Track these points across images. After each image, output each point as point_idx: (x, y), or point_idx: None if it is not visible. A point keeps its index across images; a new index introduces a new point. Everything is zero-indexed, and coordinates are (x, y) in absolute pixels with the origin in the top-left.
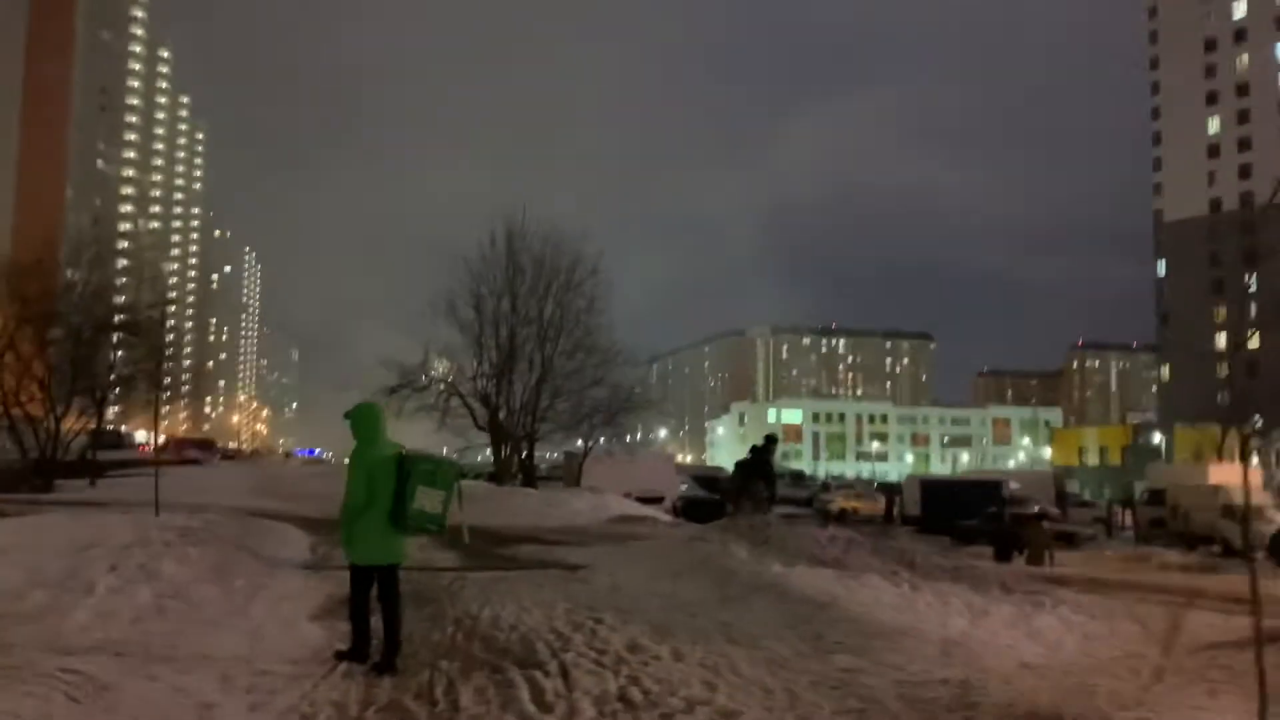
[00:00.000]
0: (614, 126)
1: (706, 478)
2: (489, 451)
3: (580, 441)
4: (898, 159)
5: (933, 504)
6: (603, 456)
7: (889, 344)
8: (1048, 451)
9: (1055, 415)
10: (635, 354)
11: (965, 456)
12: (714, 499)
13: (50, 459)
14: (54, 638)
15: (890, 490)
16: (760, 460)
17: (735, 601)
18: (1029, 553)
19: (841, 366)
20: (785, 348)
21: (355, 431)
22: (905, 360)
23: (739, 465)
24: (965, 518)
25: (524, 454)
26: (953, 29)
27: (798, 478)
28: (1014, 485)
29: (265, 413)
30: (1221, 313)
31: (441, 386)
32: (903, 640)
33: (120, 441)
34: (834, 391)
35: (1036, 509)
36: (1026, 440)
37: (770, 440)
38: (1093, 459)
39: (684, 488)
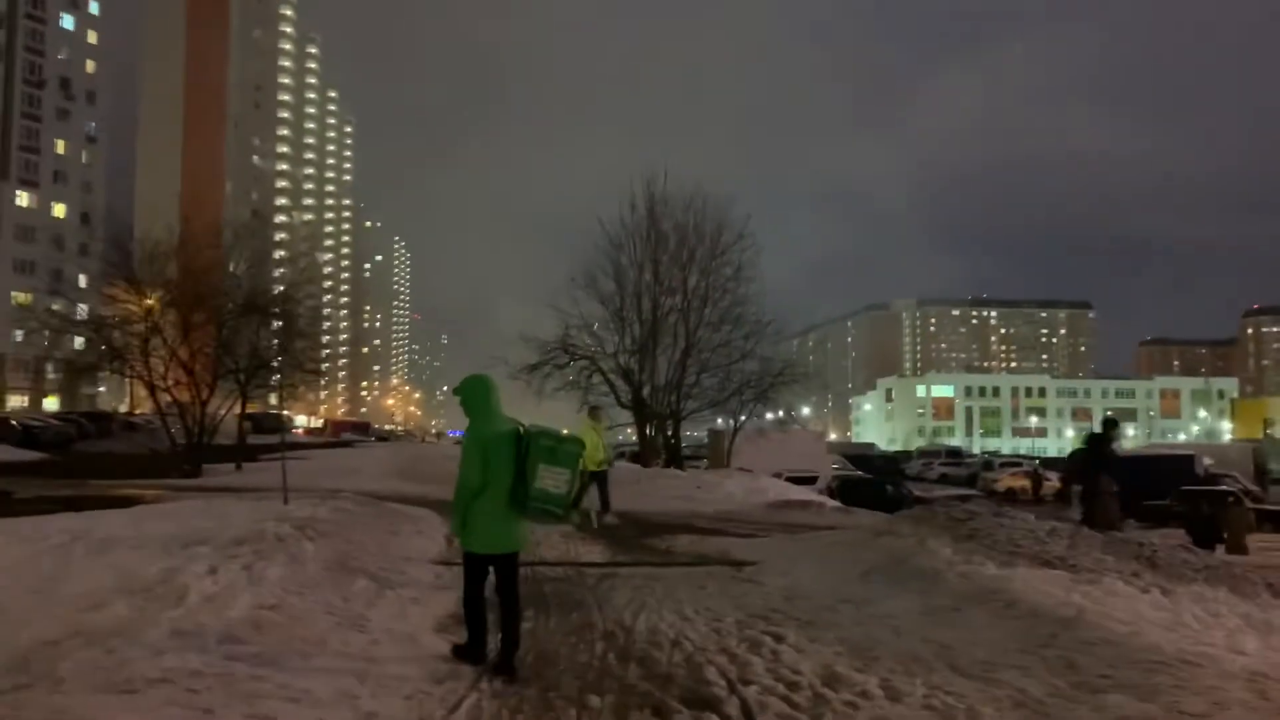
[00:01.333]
0: (750, 90)
1: (858, 456)
2: (630, 431)
3: (727, 419)
4: (1050, 115)
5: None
6: (752, 435)
7: (1044, 314)
8: (1226, 424)
9: (1231, 385)
10: (786, 325)
11: (1131, 430)
12: (871, 479)
13: (198, 443)
14: (116, 670)
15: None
16: (1101, 449)
17: (948, 614)
18: (1229, 538)
19: (993, 338)
20: (933, 320)
21: (466, 408)
22: (1062, 331)
23: (1075, 456)
24: (1151, 497)
25: (669, 433)
26: None
27: (954, 454)
28: (1207, 460)
29: (418, 395)
30: None
31: (584, 363)
32: (1191, 673)
33: (281, 425)
34: (985, 365)
35: (1237, 487)
36: (1202, 413)
37: (1110, 424)
38: None
39: (836, 467)
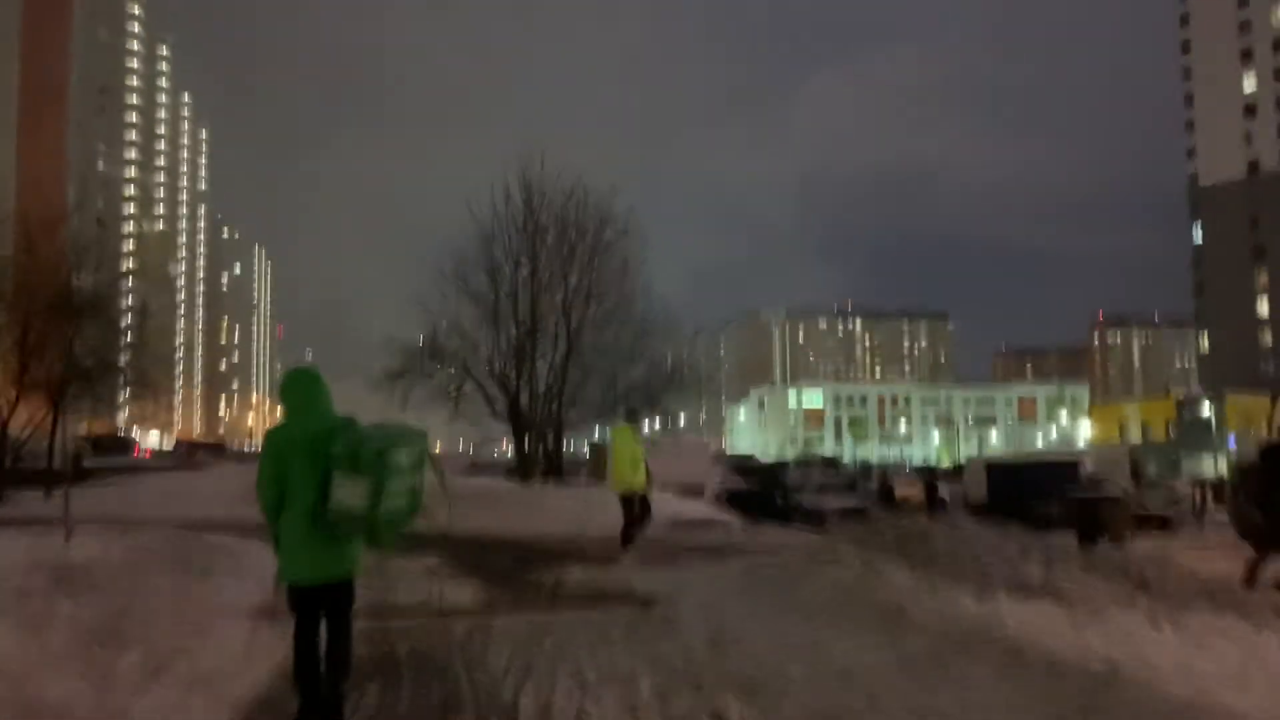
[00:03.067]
0: (628, 93)
1: (739, 466)
2: (507, 445)
3: (607, 429)
4: (915, 123)
5: (1000, 488)
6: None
7: (906, 324)
8: (1084, 429)
9: (1082, 392)
10: (675, 324)
11: (994, 436)
12: (759, 491)
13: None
14: None
15: (930, 474)
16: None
17: (931, 667)
18: (1110, 533)
19: (859, 348)
20: (801, 330)
21: (282, 407)
22: (923, 341)
23: (1246, 473)
24: (1037, 502)
25: (549, 444)
26: None
27: (830, 464)
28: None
29: (280, 412)
30: (1264, 278)
31: (452, 369)
32: None
33: (126, 446)
34: (853, 375)
35: (1116, 491)
36: (1063, 418)
37: None
38: (1135, 434)
39: (718, 478)
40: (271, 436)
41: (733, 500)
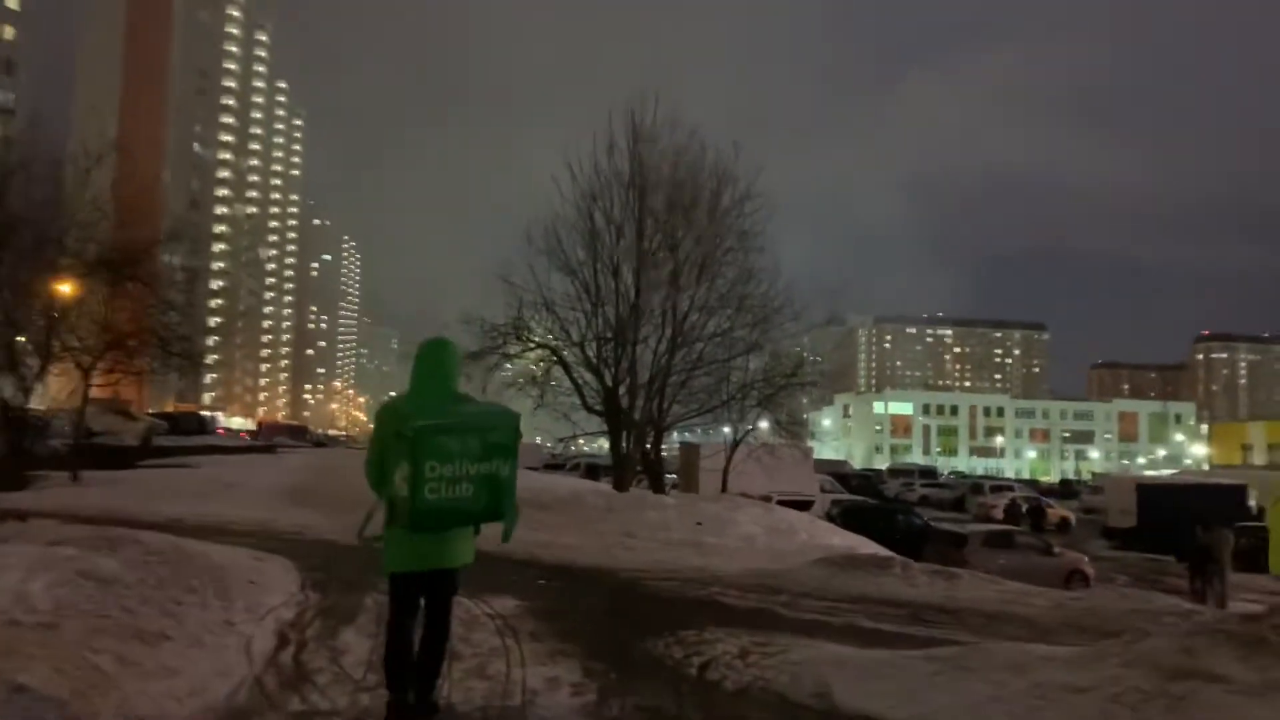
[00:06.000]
0: (715, 92)
1: (834, 475)
2: (605, 443)
3: (708, 431)
4: (1014, 128)
5: (1152, 512)
6: (721, 448)
7: (999, 334)
8: (1200, 449)
9: (1187, 410)
10: (806, 310)
11: (1095, 453)
12: (879, 506)
13: (17, 446)
14: None
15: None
16: None
17: None
18: None
19: (948, 357)
20: (889, 337)
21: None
22: (1016, 351)
23: None
24: (1197, 530)
25: (649, 446)
26: None
27: (928, 474)
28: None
29: (364, 400)
30: None
31: (542, 352)
32: None
33: (203, 426)
34: (941, 384)
35: None
36: (1178, 436)
37: None
38: (1259, 457)
39: (828, 490)
40: (379, 413)
41: (847, 519)
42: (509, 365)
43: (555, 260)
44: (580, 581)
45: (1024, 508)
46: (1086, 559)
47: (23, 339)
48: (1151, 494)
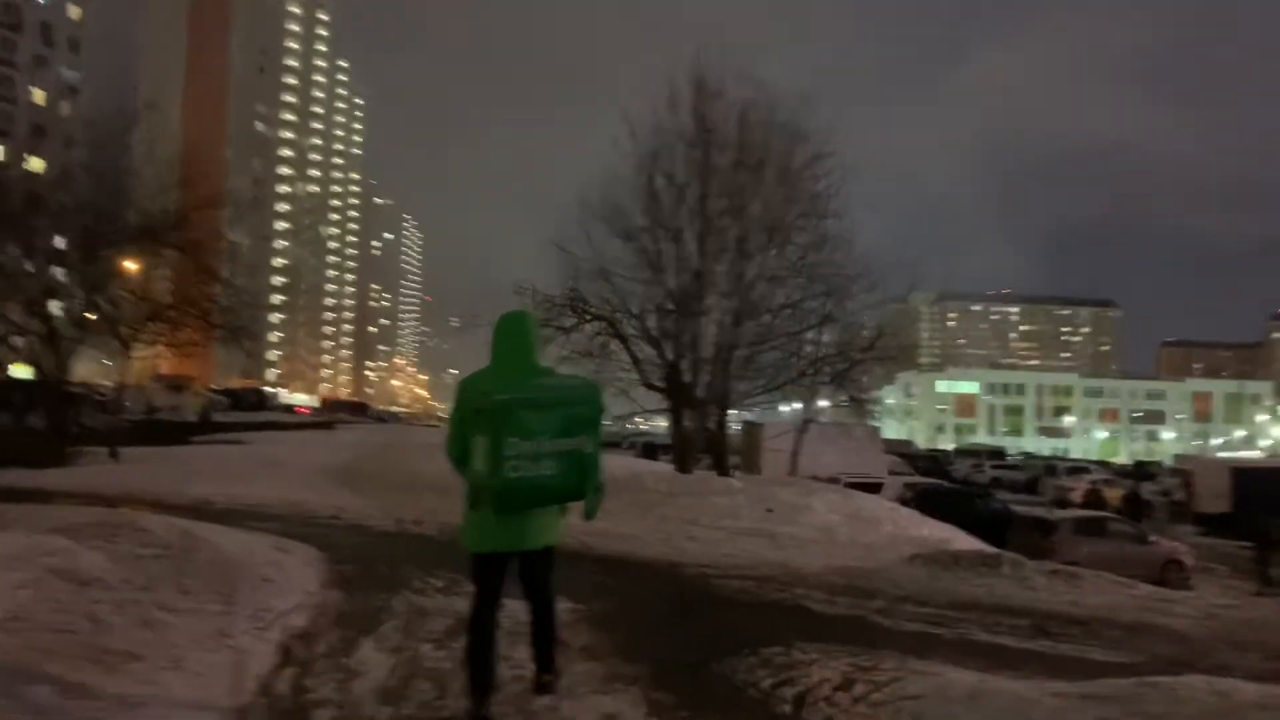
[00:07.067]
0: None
1: (901, 455)
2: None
3: (772, 408)
4: (1085, 99)
5: (1251, 499)
6: (789, 429)
7: (1067, 311)
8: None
9: (1265, 389)
10: (883, 281)
11: (1168, 434)
12: (958, 489)
13: (59, 419)
14: None
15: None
16: None
17: None
18: None
19: (1013, 335)
20: (953, 314)
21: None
22: (1085, 329)
23: None
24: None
25: (711, 425)
26: None
27: (996, 455)
28: None
29: (425, 378)
30: None
31: (598, 324)
32: None
33: (262, 402)
34: (1006, 362)
35: None
36: (1261, 416)
37: None
38: None
39: (899, 472)
40: (460, 388)
41: (922, 503)
42: (565, 338)
43: (613, 225)
44: (641, 579)
45: (1139, 494)
46: (1185, 548)
47: (62, 311)
48: (1249, 479)
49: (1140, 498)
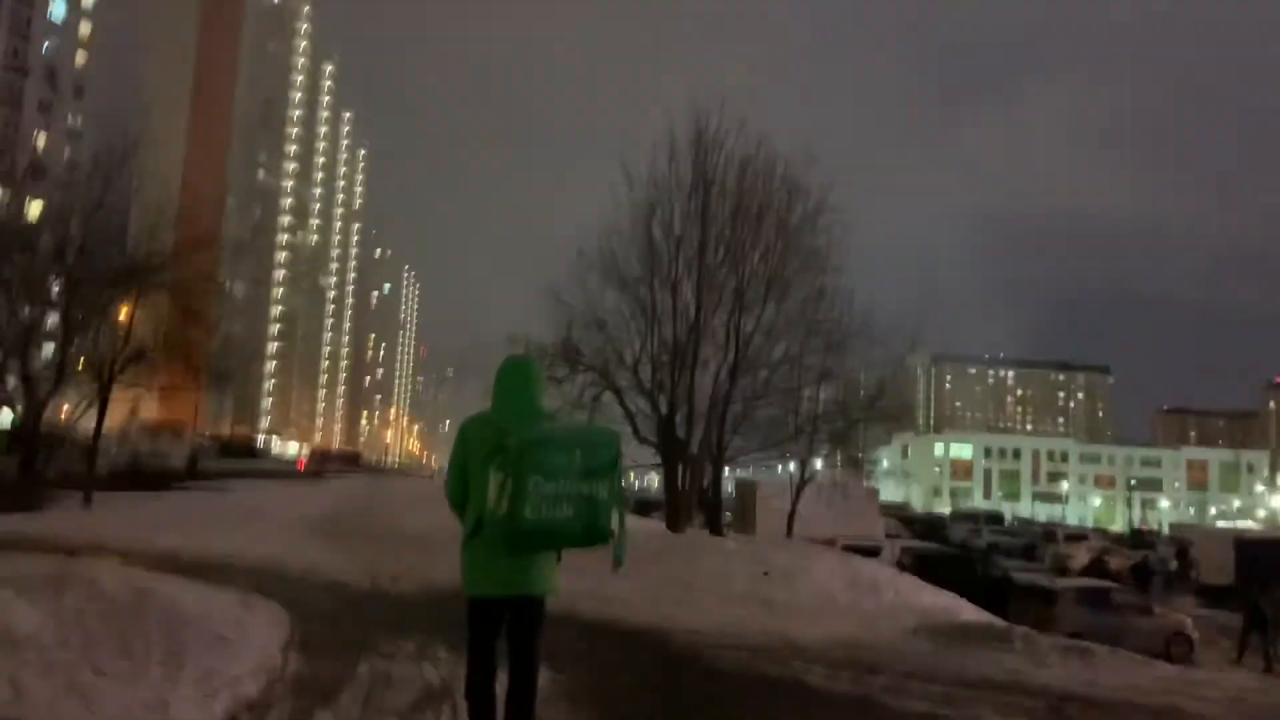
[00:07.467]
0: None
1: (903, 518)
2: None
3: (760, 468)
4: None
5: (1254, 569)
6: (779, 490)
7: (1062, 376)
8: (1277, 501)
9: (1260, 460)
10: (887, 338)
11: (1164, 502)
12: (955, 554)
13: (29, 462)
14: None
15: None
16: None
17: None
18: None
19: (1009, 399)
20: (949, 377)
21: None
22: (1080, 394)
23: None
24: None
25: (706, 482)
26: (1150, 16)
27: (994, 519)
28: None
29: (416, 428)
30: None
31: (591, 375)
32: None
33: (253, 450)
34: (1002, 426)
35: None
36: (1258, 487)
37: None
38: None
39: (895, 535)
40: (464, 428)
41: (920, 568)
42: (557, 389)
43: (610, 275)
44: (628, 647)
45: (1149, 564)
46: (1189, 621)
47: (40, 353)
48: (1254, 550)
49: (1150, 568)
